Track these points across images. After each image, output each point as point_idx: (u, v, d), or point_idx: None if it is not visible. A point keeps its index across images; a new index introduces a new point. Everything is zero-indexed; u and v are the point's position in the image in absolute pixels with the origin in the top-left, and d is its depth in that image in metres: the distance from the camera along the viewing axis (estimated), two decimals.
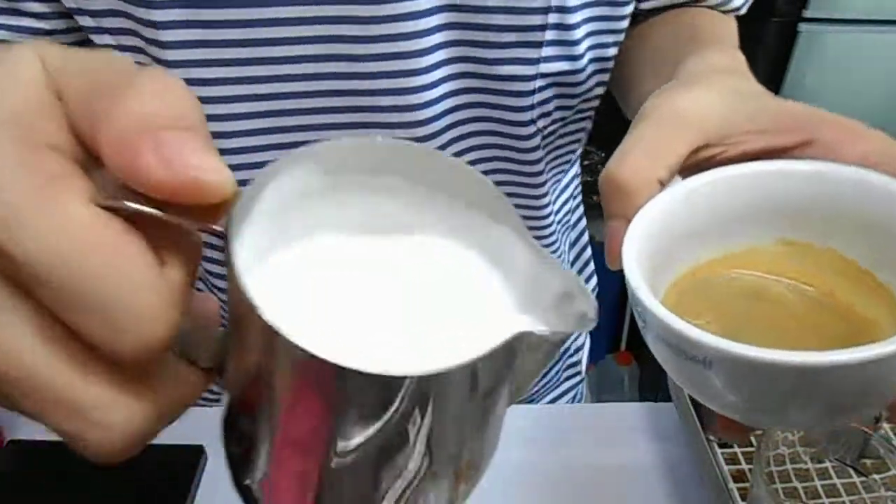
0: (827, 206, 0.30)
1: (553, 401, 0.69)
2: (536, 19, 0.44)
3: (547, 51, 0.46)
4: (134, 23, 0.43)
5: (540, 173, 0.53)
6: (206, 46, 0.43)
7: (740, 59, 0.37)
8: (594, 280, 0.68)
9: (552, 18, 0.45)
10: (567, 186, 0.61)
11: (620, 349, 1.64)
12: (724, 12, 0.54)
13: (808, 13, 1.33)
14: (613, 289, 1.61)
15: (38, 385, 0.18)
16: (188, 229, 0.19)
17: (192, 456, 0.55)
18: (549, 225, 0.57)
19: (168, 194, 0.17)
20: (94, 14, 0.45)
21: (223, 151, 0.46)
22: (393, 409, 0.18)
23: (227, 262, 0.18)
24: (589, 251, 0.67)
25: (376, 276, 0.21)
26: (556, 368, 0.67)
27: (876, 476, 0.49)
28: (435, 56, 0.44)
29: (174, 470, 0.54)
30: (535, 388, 0.66)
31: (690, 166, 0.30)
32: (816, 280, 0.31)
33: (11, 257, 0.16)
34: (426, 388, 0.18)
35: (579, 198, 0.64)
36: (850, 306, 0.30)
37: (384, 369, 0.17)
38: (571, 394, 0.70)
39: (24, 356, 0.17)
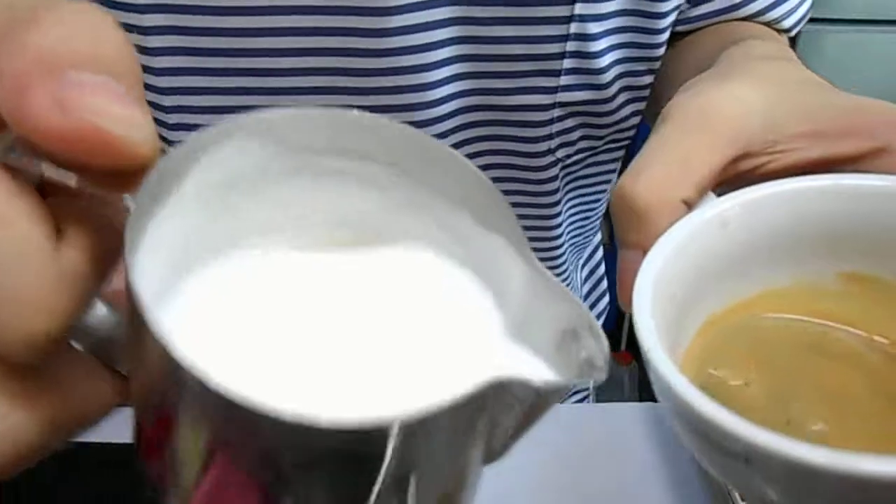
0: (889, 231, 0.23)
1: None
2: (554, 48, 0.42)
3: (566, 79, 0.44)
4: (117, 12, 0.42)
5: (554, 205, 0.51)
6: (193, 55, 0.42)
7: (788, 49, 0.31)
8: (606, 297, 0.67)
9: (571, 46, 0.42)
10: (589, 208, 0.59)
11: (620, 349, 1.64)
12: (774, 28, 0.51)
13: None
14: (614, 288, 1.60)
15: None
16: (101, 199, 0.15)
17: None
18: (560, 248, 0.55)
19: (63, 148, 0.13)
20: None
21: None
22: (314, 462, 0.14)
23: (124, 258, 0.14)
24: (602, 268, 0.66)
25: (327, 289, 0.16)
26: None
27: None
28: (446, 78, 0.42)
29: None
30: None
31: (728, 181, 0.25)
32: (893, 328, 0.24)
33: None
34: (357, 439, 0.13)
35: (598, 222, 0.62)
36: None
37: (314, 415, 0.12)
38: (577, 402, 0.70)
39: None
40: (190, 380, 0.13)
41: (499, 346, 0.16)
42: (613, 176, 0.56)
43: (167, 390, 0.14)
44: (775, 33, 0.50)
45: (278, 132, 0.15)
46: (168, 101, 0.43)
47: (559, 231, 0.53)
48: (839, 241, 0.24)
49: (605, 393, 1.66)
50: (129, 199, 0.14)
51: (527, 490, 0.54)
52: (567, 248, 0.57)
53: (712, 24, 0.51)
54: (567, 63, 0.43)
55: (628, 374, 1.62)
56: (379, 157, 0.16)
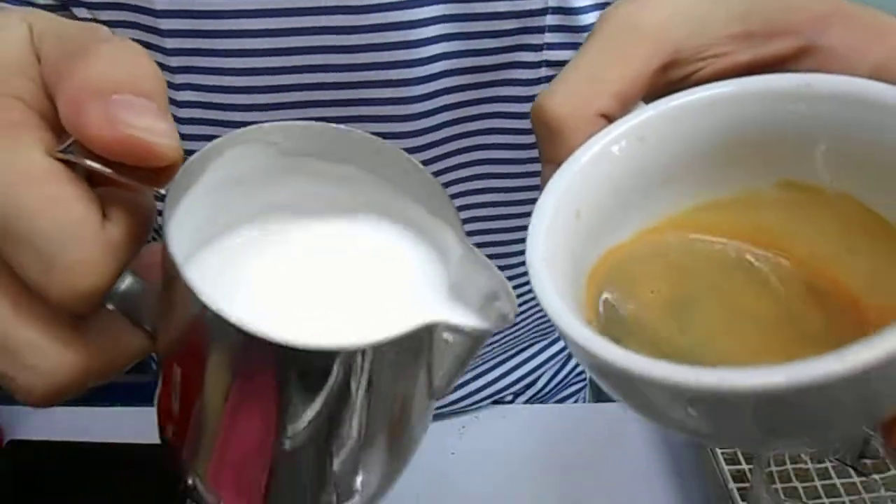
0: (832, 137, 0.21)
1: (555, 404, 0.69)
2: (536, 2, 0.42)
3: (550, 37, 0.44)
4: (134, 13, 0.43)
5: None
6: (207, 55, 0.43)
7: None
8: None
9: (552, 1, 0.43)
10: None
11: None
12: None
13: None
14: None
15: None
16: (137, 190, 0.20)
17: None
18: None
19: (110, 152, 0.18)
20: (91, 6, 0.44)
21: None
22: (307, 381, 0.19)
23: (161, 229, 0.19)
24: None
25: (312, 256, 0.22)
26: (561, 374, 0.66)
27: (876, 476, 0.49)
28: (432, 49, 0.43)
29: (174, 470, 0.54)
30: (541, 394, 0.65)
31: (659, 91, 0.23)
32: (823, 240, 0.23)
33: None
34: (338, 362, 0.18)
35: None
36: (856, 285, 0.22)
37: (293, 339, 0.17)
38: (573, 399, 0.70)
39: None
40: (211, 316, 0.17)
41: (439, 301, 0.21)
42: None
43: (192, 329, 0.19)
44: None
45: (274, 139, 0.21)
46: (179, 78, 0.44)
47: None
48: (774, 148, 0.22)
49: (606, 393, 1.67)
50: (159, 190, 0.20)
51: (527, 489, 0.55)
52: None
53: None
54: (550, 20, 0.43)
55: None
56: (354, 161, 0.21)
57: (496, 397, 0.62)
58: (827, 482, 0.51)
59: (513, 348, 0.61)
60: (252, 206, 0.22)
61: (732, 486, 0.52)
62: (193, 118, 0.45)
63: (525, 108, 0.46)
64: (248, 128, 0.20)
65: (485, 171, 0.49)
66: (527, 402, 0.65)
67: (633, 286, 0.23)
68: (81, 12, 0.45)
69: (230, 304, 0.17)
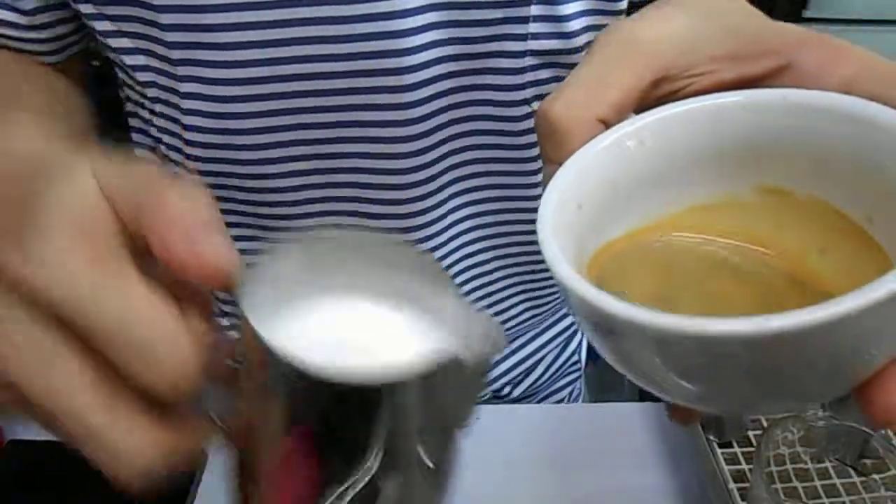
0: (804, 144, 0.24)
1: (552, 394, 0.69)
2: None
3: (535, 27, 0.45)
4: (135, 8, 0.44)
5: (535, 158, 0.51)
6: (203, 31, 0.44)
7: None
8: None
9: None
10: None
11: None
12: None
13: (808, 13, 1.34)
14: None
15: (71, 412, 0.22)
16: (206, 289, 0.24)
17: (193, 456, 0.55)
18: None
19: (191, 275, 0.22)
20: (96, 2, 0.45)
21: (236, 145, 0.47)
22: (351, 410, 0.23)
23: (239, 316, 0.23)
24: None
25: (351, 315, 0.26)
26: (557, 363, 0.67)
27: (876, 476, 0.49)
28: (421, 26, 0.44)
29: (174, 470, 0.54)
30: (538, 384, 0.66)
31: (649, 104, 0.26)
32: (798, 239, 0.25)
33: (75, 319, 0.21)
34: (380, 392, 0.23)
35: None
36: (830, 279, 0.24)
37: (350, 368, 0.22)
38: (569, 389, 0.70)
39: (68, 394, 0.21)
40: (289, 367, 0.22)
41: (447, 341, 0.25)
42: None
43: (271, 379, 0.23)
44: None
45: (307, 246, 0.26)
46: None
47: (538, 186, 0.54)
48: (752, 155, 0.25)
49: (605, 393, 1.67)
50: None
51: (527, 489, 0.55)
52: None
53: None
54: (534, 10, 0.44)
55: None
56: (372, 257, 0.26)
57: (494, 387, 0.62)
58: (827, 482, 0.51)
59: (508, 339, 0.62)
60: (307, 293, 0.26)
61: (732, 486, 0.52)
62: (198, 110, 0.46)
63: (510, 96, 0.47)
64: (293, 239, 0.26)
65: (474, 157, 0.50)
66: (524, 392, 0.65)
67: (624, 281, 0.25)
68: (87, 8, 0.45)
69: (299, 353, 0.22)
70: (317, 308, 0.26)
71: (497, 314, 0.57)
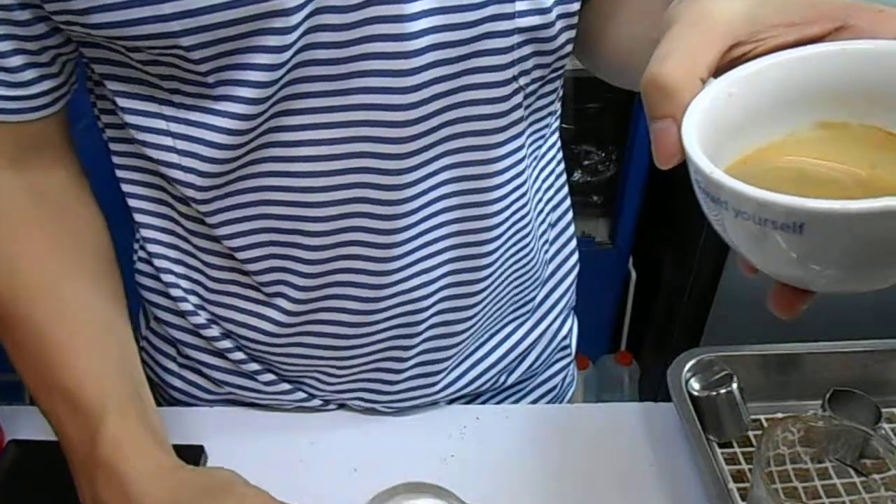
0: (863, 83, 0.30)
1: (546, 381, 0.69)
2: None
3: (520, 4, 0.47)
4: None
5: (521, 134, 0.53)
6: None
7: None
8: (575, 272, 0.68)
9: None
10: (547, 159, 0.61)
11: (620, 349, 1.64)
12: None
13: None
14: (614, 288, 1.59)
15: None
16: None
17: (192, 456, 0.55)
18: (525, 195, 0.56)
19: None
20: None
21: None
22: None
23: None
24: (573, 243, 0.67)
25: None
26: (548, 350, 0.67)
27: (876, 476, 0.49)
28: (420, 23, 0.45)
29: None
30: (531, 369, 0.66)
31: (724, 66, 0.31)
32: (859, 159, 0.31)
33: None
34: None
35: (563, 177, 0.64)
36: (889, 184, 0.30)
37: None
38: (562, 375, 0.70)
39: None
40: None
41: None
42: (555, 112, 0.58)
43: None
44: None
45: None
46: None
47: (523, 164, 0.54)
48: (814, 97, 0.31)
49: (605, 393, 1.67)
50: None
51: (526, 489, 0.55)
52: (533, 201, 0.58)
53: None
54: None
55: (628, 374, 1.63)
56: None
57: (492, 375, 0.63)
58: (827, 482, 0.51)
59: (493, 327, 0.62)
60: None
61: (732, 486, 0.53)
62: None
63: (500, 76, 0.49)
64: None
65: (463, 144, 0.51)
66: (518, 378, 0.65)
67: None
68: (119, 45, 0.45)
69: None
70: None
71: (486, 288, 0.58)
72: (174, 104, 0.48)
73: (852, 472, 0.50)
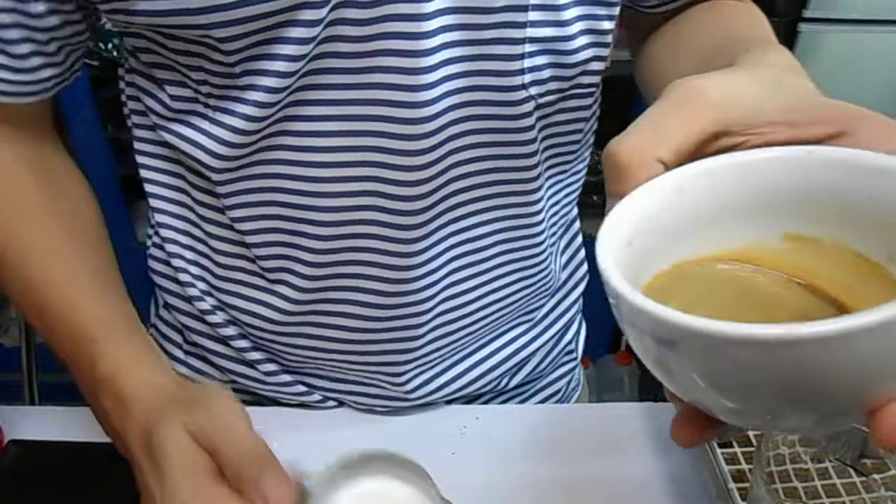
0: (834, 194, 0.26)
1: (549, 384, 0.69)
2: None
3: (533, 15, 0.47)
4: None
5: (533, 141, 0.53)
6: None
7: (792, 59, 0.36)
8: (585, 281, 0.68)
9: None
10: (570, 187, 0.61)
11: (620, 349, 1.64)
12: None
13: (808, 13, 1.34)
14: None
15: None
16: None
17: None
18: (540, 211, 0.57)
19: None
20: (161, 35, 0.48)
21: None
22: None
23: None
24: (582, 252, 0.67)
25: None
26: (553, 353, 0.67)
27: (876, 476, 0.49)
28: (435, 11, 0.45)
29: None
30: (534, 374, 0.66)
31: (710, 153, 0.29)
32: (822, 277, 0.28)
33: None
34: None
35: (578, 192, 0.64)
36: (851, 304, 0.27)
37: None
38: (567, 378, 0.70)
39: None
40: None
41: None
42: (584, 125, 0.58)
43: None
44: (752, 10, 0.55)
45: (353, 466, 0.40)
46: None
47: (536, 172, 0.55)
48: (786, 205, 0.28)
49: (605, 393, 1.67)
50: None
51: (527, 489, 0.55)
52: (547, 214, 0.59)
53: (683, 3, 0.55)
54: None
55: (628, 374, 1.63)
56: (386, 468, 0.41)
57: (493, 378, 0.63)
58: (827, 482, 0.51)
59: (498, 329, 0.62)
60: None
61: (732, 485, 0.53)
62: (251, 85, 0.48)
63: (509, 81, 0.49)
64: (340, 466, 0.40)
65: (475, 141, 0.51)
66: (521, 381, 0.65)
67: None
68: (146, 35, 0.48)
69: None
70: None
71: (491, 292, 0.58)
72: (202, 94, 0.49)
73: (852, 472, 0.50)
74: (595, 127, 0.60)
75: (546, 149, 0.56)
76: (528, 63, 0.49)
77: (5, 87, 0.49)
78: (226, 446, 0.37)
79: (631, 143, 0.28)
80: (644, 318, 0.23)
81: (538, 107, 0.51)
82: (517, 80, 0.49)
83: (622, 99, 1.44)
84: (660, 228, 0.28)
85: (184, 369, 0.63)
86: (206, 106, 0.49)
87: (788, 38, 1.35)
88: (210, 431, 0.37)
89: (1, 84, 0.49)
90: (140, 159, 0.57)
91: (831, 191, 0.26)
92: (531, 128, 0.52)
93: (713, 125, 0.28)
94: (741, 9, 0.55)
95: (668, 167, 0.28)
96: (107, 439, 0.55)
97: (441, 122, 0.48)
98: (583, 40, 0.50)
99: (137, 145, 0.56)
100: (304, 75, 0.47)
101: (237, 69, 0.46)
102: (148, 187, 0.57)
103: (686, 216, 0.28)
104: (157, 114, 0.53)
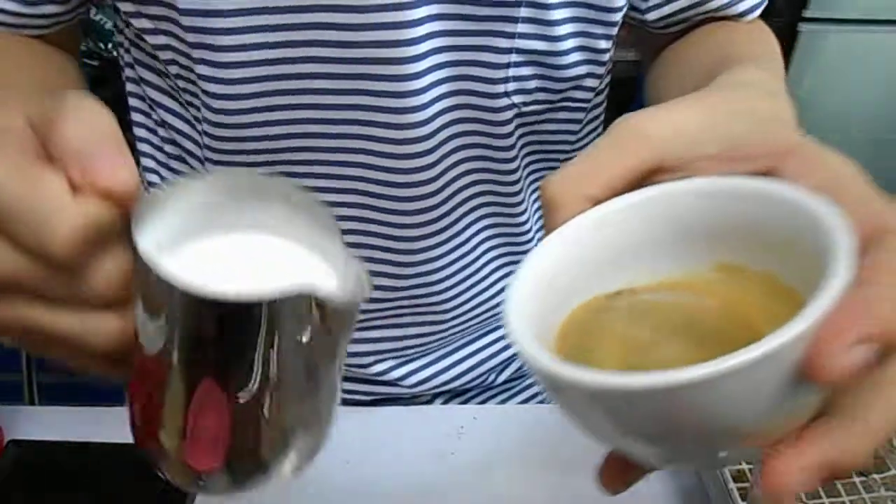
0: (751, 226, 0.27)
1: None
2: None
3: (522, 27, 0.48)
4: (166, 9, 0.47)
5: (512, 147, 0.54)
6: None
7: (777, 74, 0.36)
8: None
9: None
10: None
11: None
12: (730, 18, 0.55)
13: (808, 13, 1.34)
14: None
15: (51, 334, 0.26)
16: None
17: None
18: (524, 212, 0.58)
19: (90, 193, 0.25)
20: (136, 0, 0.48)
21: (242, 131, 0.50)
22: (232, 329, 0.25)
23: (129, 240, 0.25)
24: None
25: (238, 247, 0.29)
26: None
27: (876, 476, 0.49)
28: (422, 17, 0.46)
29: None
30: (519, 371, 0.67)
31: (643, 186, 0.29)
32: (748, 304, 0.28)
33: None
34: (258, 312, 0.25)
35: None
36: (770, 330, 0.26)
37: (217, 290, 0.24)
38: None
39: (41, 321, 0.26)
40: (162, 282, 0.24)
41: (322, 278, 0.28)
42: (573, 137, 0.59)
43: (151, 300, 0.26)
44: (761, 30, 0.55)
45: (209, 184, 0.28)
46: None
47: (517, 177, 0.56)
48: (715, 236, 0.28)
49: None
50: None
51: (526, 489, 0.55)
52: (533, 217, 0.60)
53: (691, 23, 0.55)
54: (524, 11, 0.48)
55: None
56: (262, 195, 0.29)
57: (480, 373, 0.64)
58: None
59: (487, 327, 0.63)
60: (200, 223, 0.29)
61: (732, 486, 0.52)
62: (211, 92, 0.49)
63: (493, 88, 0.50)
64: (197, 175, 0.29)
65: (466, 142, 0.52)
66: (509, 377, 0.66)
67: (591, 338, 0.28)
68: (127, 6, 0.48)
69: (179, 270, 0.24)
70: (208, 239, 0.29)
71: (478, 281, 0.59)
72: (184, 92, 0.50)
73: (852, 471, 0.50)
74: (589, 137, 0.61)
75: (528, 155, 0.56)
76: (512, 72, 0.50)
77: (8, 20, 0.50)
78: (62, 127, 0.26)
79: (561, 180, 0.28)
80: (531, 366, 0.24)
81: (519, 115, 0.52)
82: (500, 88, 0.50)
83: (622, 99, 1.44)
84: (583, 264, 0.28)
85: None
86: (191, 82, 0.50)
87: (788, 38, 1.35)
88: (50, 113, 0.27)
89: (5, 16, 0.50)
90: (144, 161, 0.57)
91: (747, 221, 0.27)
92: (510, 135, 0.53)
93: (647, 162, 0.28)
94: (746, 27, 0.55)
95: (598, 202, 0.28)
96: (107, 439, 0.55)
97: (433, 127, 0.49)
98: (576, 56, 0.51)
99: (140, 146, 0.57)
100: (285, 78, 0.47)
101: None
102: (139, 148, 0.58)
103: (611, 250, 0.28)
104: (158, 104, 0.53)
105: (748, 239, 0.27)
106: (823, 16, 1.34)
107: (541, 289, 0.27)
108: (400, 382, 0.62)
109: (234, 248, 0.29)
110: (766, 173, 0.27)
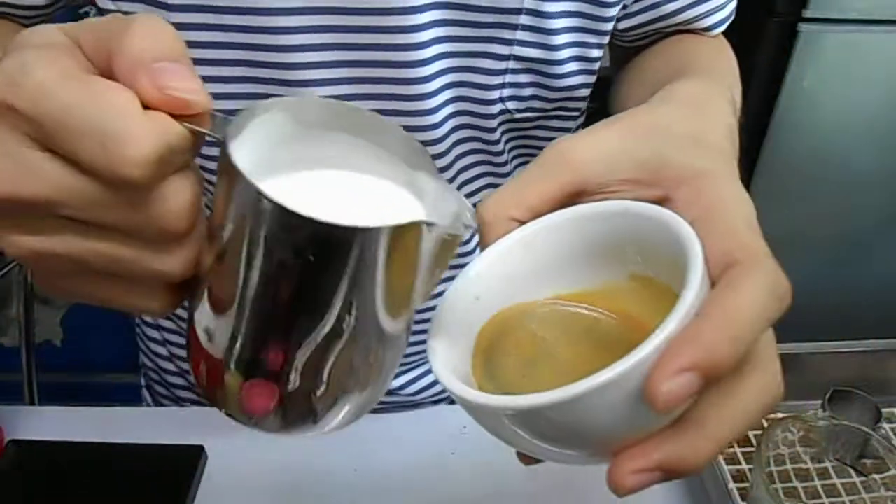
0: (648, 244, 0.29)
1: None
2: (513, 2, 0.48)
3: (521, 35, 0.49)
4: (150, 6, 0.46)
5: (502, 153, 0.55)
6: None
7: (724, 87, 0.36)
8: None
9: (527, 3, 0.48)
10: None
11: None
12: (698, 32, 0.56)
13: (808, 13, 1.33)
14: None
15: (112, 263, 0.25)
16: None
17: (192, 456, 0.55)
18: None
19: (160, 108, 0.24)
20: None
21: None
22: (326, 256, 0.24)
23: (221, 154, 0.25)
24: None
25: (330, 182, 0.29)
26: None
27: (876, 476, 0.49)
28: (427, 23, 0.47)
29: (174, 470, 0.54)
30: None
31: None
32: (645, 311, 0.30)
33: (45, 122, 0.22)
34: (355, 240, 0.24)
35: None
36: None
37: (324, 217, 0.23)
38: None
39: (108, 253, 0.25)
40: (256, 197, 0.23)
41: (421, 212, 0.28)
42: None
43: (245, 212, 0.24)
44: (725, 48, 0.56)
45: (299, 112, 0.28)
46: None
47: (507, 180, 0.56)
48: (617, 252, 0.30)
49: None
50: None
51: (527, 489, 0.55)
52: None
53: (659, 35, 0.56)
54: (523, 19, 0.49)
55: None
56: (349, 128, 0.29)
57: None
58: (827, 482, 0.51)
59: None
60: (286, 152, 0.28)
61: (732, 486, 0.53)
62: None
63: (487, 94, 0.51)
64: (279, 99, 0.28)
65: (466, 136, 0.53)
66: None
67: (502, 347, 0.31)
68: (106, 3, 0.48)
69: (276, 192, 0.23)
70: (302, 166, 0.29)
71: None
72: None
73: (852, 472, 0.50)
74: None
75: (516, 157, 0.57)
76: (509, 79, 0.50)
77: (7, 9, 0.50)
78: (132, 40, 0.24)
79: (492, 203, 0.30)
80: (443, 383, 0.28)
81: (511, 121, 0.53)
82: (495, 94, 0.51)
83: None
84: (507, 279, 0.31)
85: (169, 365, 0.65)
86: None
87: (788, 38, 1.35)
88: (114, 28, 0.25)
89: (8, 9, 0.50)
90: None
91: (641, 239, 0.29)
92: (499, 141, 0.54)
93: (569, 185, 0.30)
94: (709, 41, 0.55)
95: (523, 223, 0.30)
96: (107, 439, 0.55)
97: (444, 131, 0.50)
98: (572, 66, 0.51)
99: None
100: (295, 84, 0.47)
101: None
102: None
103: (532, 266, 0.31)
104: None
105: (646, 254, 0.30)
106: (823, 16, 1.33)
107: (467, 303, 0.30)
108: (400, 391, 0.62)
109: (324, 181, 0.29)
110: (663, 199, 0.29)
